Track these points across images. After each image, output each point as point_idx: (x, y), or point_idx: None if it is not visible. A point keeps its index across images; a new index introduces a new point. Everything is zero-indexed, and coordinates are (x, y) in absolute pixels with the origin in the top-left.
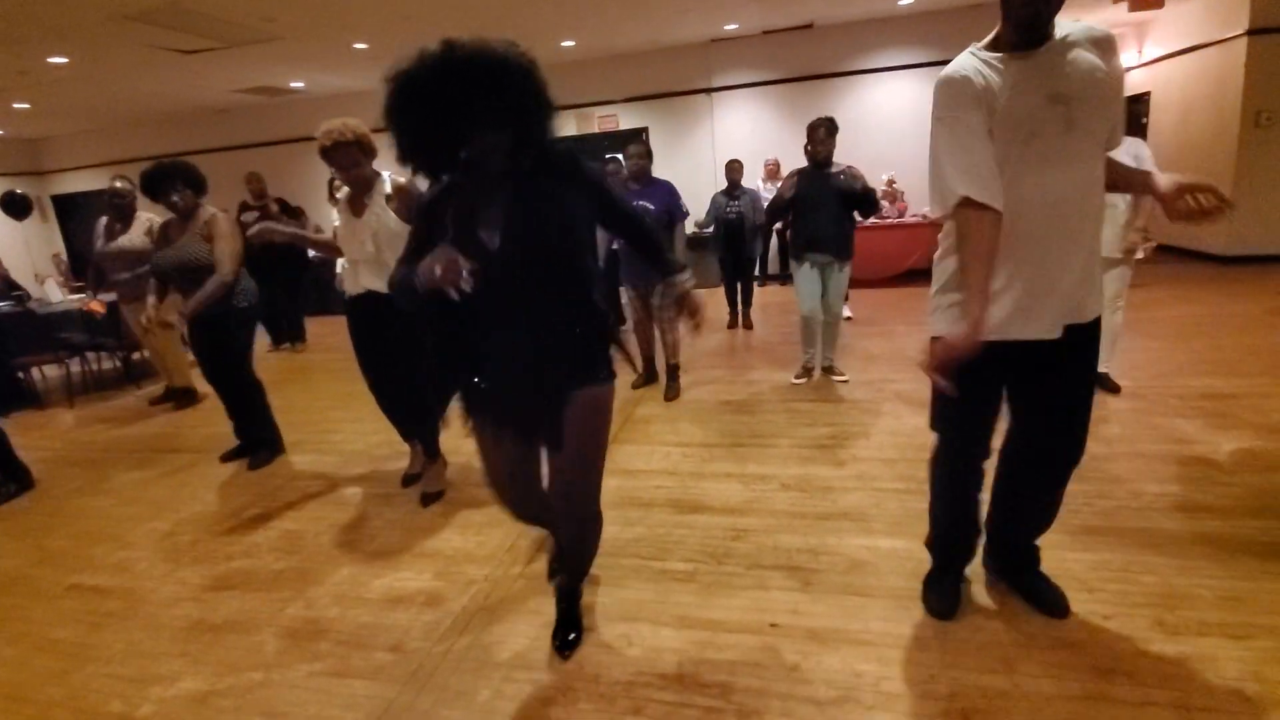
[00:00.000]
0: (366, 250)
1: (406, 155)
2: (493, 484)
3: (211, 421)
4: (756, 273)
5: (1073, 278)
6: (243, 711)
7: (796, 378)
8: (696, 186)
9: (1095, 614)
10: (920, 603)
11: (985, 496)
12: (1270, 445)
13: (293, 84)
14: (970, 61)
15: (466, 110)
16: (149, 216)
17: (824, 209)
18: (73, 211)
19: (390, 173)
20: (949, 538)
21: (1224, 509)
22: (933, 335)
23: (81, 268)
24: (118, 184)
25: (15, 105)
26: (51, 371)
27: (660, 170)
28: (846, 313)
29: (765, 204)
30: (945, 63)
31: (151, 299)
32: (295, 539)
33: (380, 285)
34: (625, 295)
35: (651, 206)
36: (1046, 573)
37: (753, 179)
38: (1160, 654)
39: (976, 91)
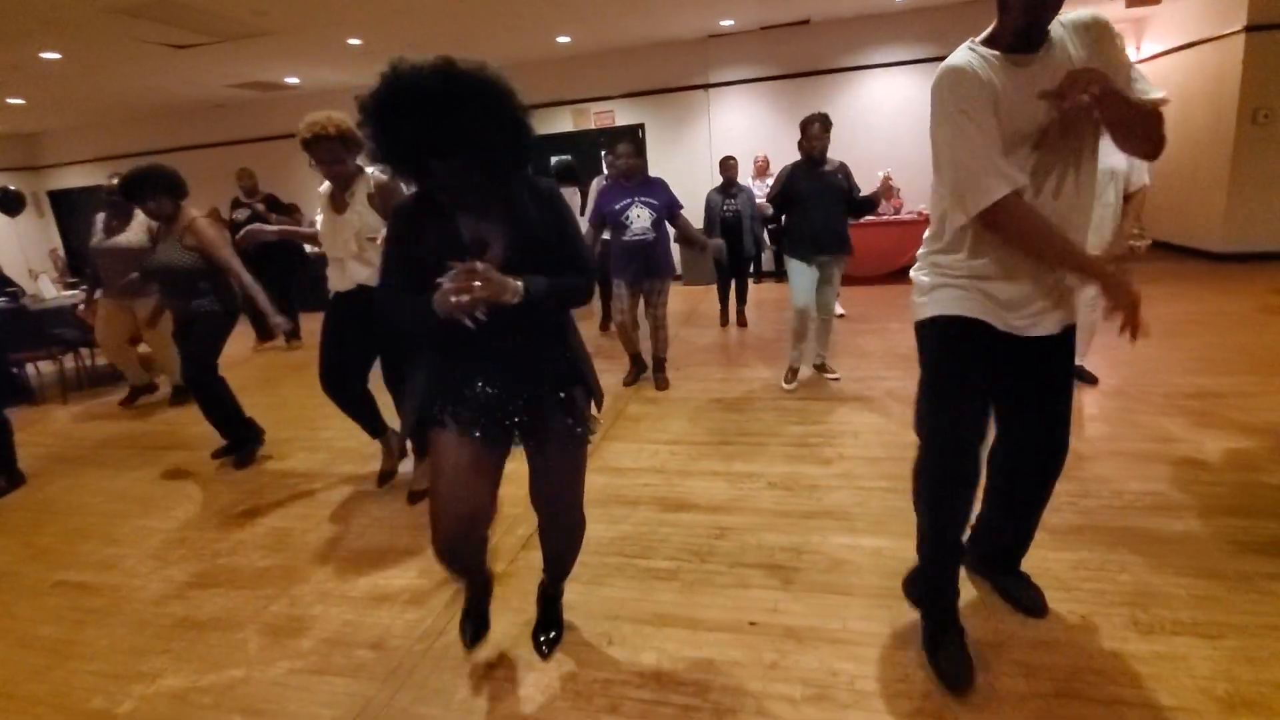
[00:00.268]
0: (350, 248)
1: (378, 159)
2: (438, 489)
3: (203, 419)
4: (752, 270)
5: (1073, 278)
6: (222, 708)
7: (786, 382)
8: (693, 182)
9: (1072, 613)
10: (902, 601)
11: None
12: (1253, 444)
13: (288, 79)
14: (971, 57)
15: (426, 133)
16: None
17: (821, 206)
18: (70, 207)
19: (374, 169)
20: (937, 575)
21: (1203, 508)
22: (921, 320)
23: (79, 264)
24: (114, 181)
25: (9, 100)
26: (46, 368)
27: (657, 166)
28: (839, 310)
29: (758, 201)
30: (942, 58)
31: (143, 306)
32: (282, 536)
33: (366, 280)
34: (615, 288)
35: (654, 201)
36: (1026, 571)
37: (743, 176)
38: (1133, 653)
39: (986, 86)
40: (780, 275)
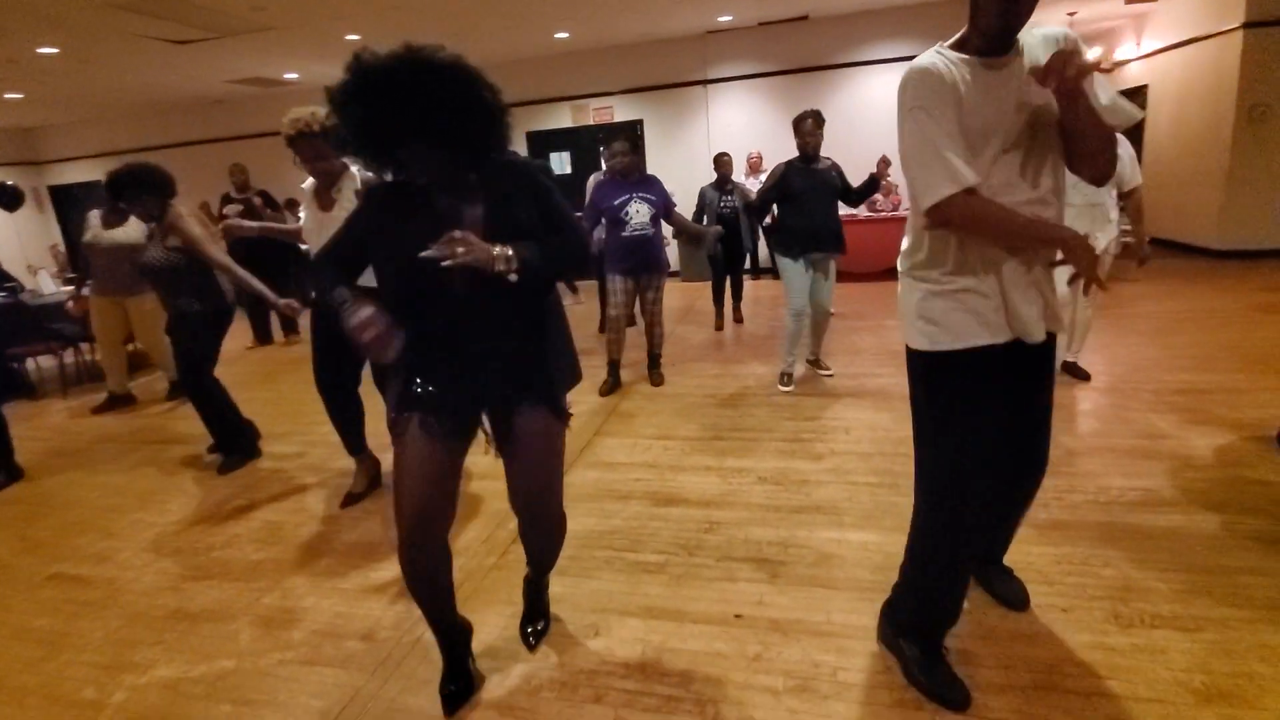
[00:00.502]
0: None
1: (349, 150)
2: (399, 486)
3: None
4: (748, 266)
5: (1049, 282)
6: (212, 698)
7: (782, 385)
8: (692, 178)
9: (1054, 606)
10: (886, 593)
11: None
12: (1240, 440)
13: (286, 75)
14: (937, 59)
15: (392, 120)
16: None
17: (816, 203)
18: (71, 202)
19: (360, 167)
20: (948, 614)
21: (1188, 503)
22: (915, 350)
23: (79, 260)
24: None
25: (7, 95)
26: (46, 363)
27: (656, 161)
28: (831, 308)
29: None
30: None
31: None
32: (275, 530)
33: (361, 279)
34: (610, 283)
35: (653, 198)
36: (1009, 565)
37: (737, 173)
38: (1113, 646)
39: (950, 87)
40: (770, 272)
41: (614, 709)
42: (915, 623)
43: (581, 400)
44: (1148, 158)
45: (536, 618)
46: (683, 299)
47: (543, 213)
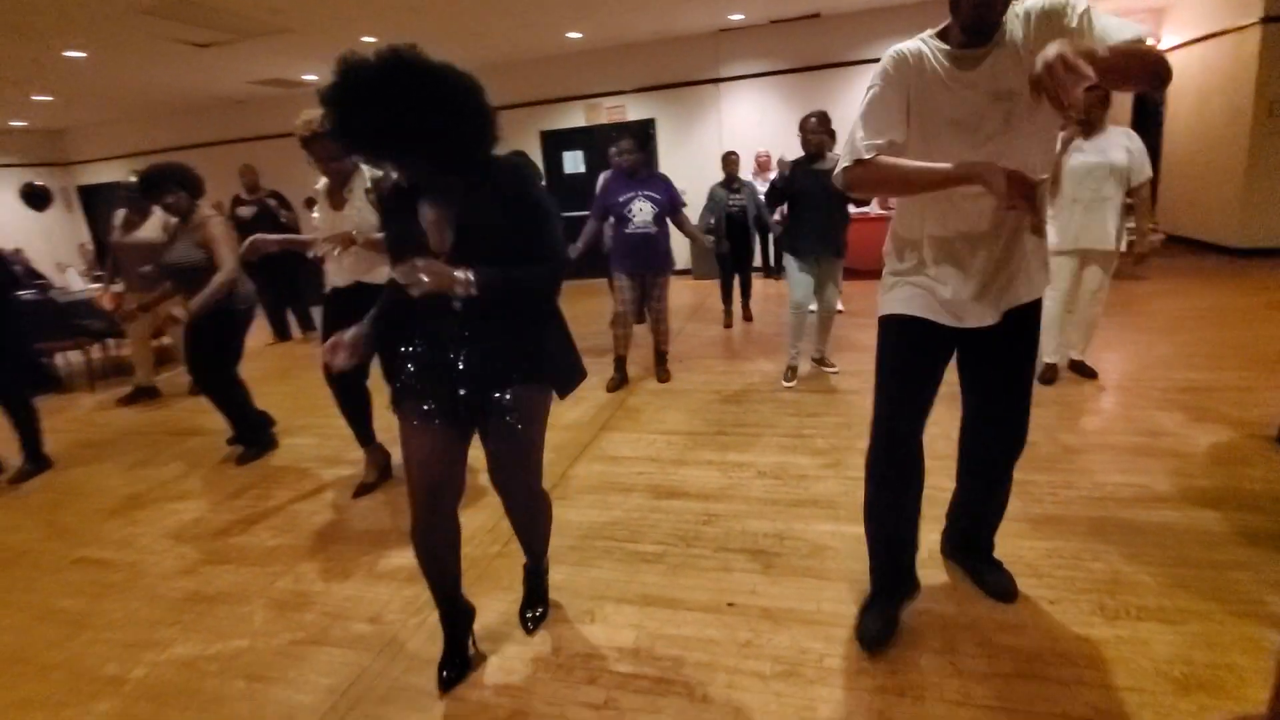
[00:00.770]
0: None
1: (339, 147)
2: (407, 471)
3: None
4: (759, 264)
5: (1012, 267)
6: (227, 675)
7: (786, 380)
8: (703, 177)
9: (1041, 598)
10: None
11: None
12: (1242, 438)
13: (305, 76)
14: (917, 47)
15: (367, 124)
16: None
17: (817, 204)
18: (98, 202)
19: (369, 167)
20: (886, 570)
21: (1184, 500)
22: (883, 314)
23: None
24: (131, 178)
25: (36, 98)
26: (74, 357)
27: (667, 159)
28: (839, 305)
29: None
30: None
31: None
32: (291, 517)
33: (367, 277)
34: (616, 280)
35: (658, 196)
36: (1000, 558)
37: (745, 173)
38: (1097, 637)
39: (913, 73)
40: (773, 271)
41: (606, 690)
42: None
43: (589, 396)
44: (1166, 153)
45: (535, 604)
46: (693, 296)
47: (520, 225)
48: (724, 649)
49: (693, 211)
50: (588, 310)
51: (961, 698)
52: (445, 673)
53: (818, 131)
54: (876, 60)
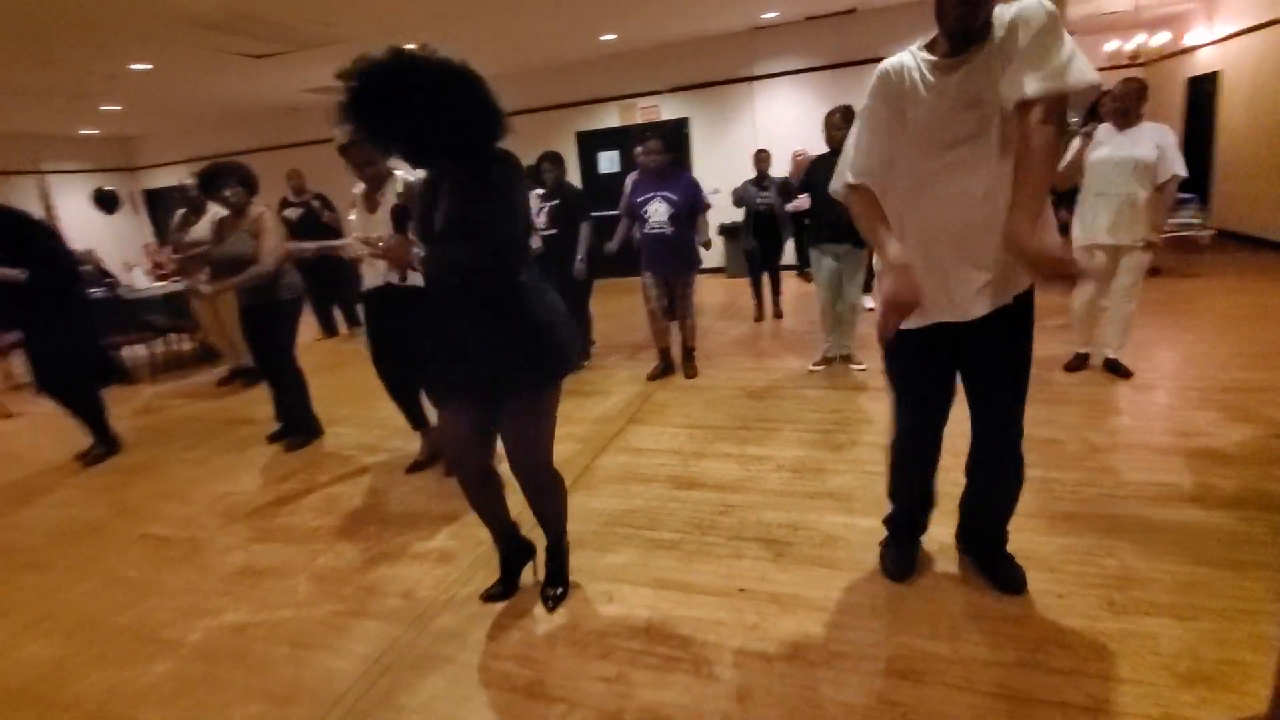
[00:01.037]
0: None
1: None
2: (445, 445)
3: (271, 399)
4: (794, 263)
5: (992, 267)
6: (272, 641)
7: (814, 365)
8: (737, 175)
9: (1049, 592)
10: (880, 573)
11: (950, 479)
12: (1277, 438)
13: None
14: (905, 60)
15: (363, 119)
16: (218, 210)
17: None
18: (162, 205)
19: (402, 171)
20: (902, 515)
21: (1208, 499)
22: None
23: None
24: (186, 180)
25: (106, 107)
26: (140, 351)
27: (702, 159)
28: (869, 303)
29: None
30: None
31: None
32: (333, 500)
33: (396, 278)
34: (643, 279)
35: (675, 197)
36: (1011, 552)
37: (782, 169)
38: (1103, 630)
39: (894, 89)
40: (804, 269)
41: (618, 665)
42: (888, 517)
43: (617, 390)
44: (1220, 147)
45: (556, 584)
46: (725, 294)
47: (481, 211)
48: (732, 631)
49: (727, 211)
50: (624, 306)
51: (963, 683)
52: (494, 589)
53: (840, 127)
54: None
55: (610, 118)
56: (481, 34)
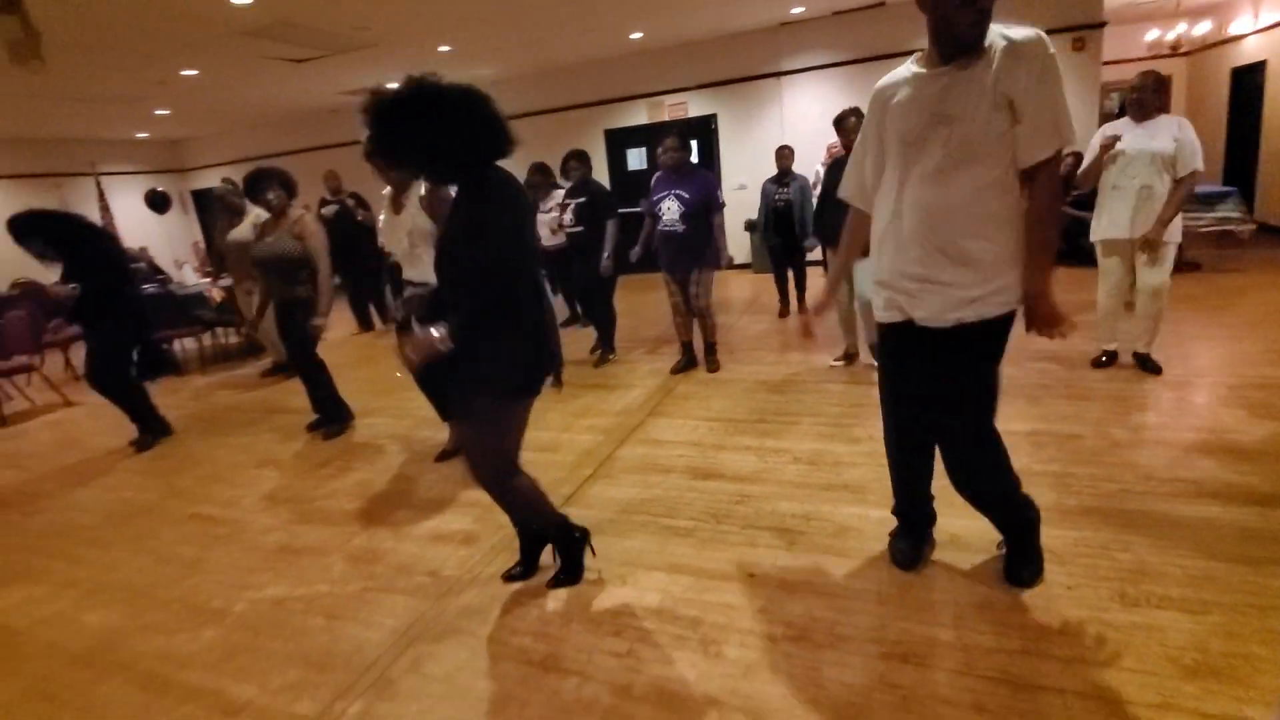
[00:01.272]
0: (404, 245)
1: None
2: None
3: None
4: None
5: (960, 278)
6: (309, 613)
7: (835, 360)
8: (765, 171)
9: (1058, 583)
10: (889, 562)
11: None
12: None
13: (389, 85)
14: (896, 74)
15: (377, 145)
16: (259, 212)
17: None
18: (208, 205)
19: None
20: (899, 502)
21: (1229, 495)
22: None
23: (218, 256)
24: (220, 185)
25: (157, 112)
26: (189, 344)
27: (729, 156)
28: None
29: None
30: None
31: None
32: (366, 486)
33: (418, 276)
34: (664, 277)
35: (687, 195)
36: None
37: (809, 165)
38: (1111, 621)
39: (880, 105)
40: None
41: (630, 642)
42: (896, 507)
43: (639, 383)
44: (1267, 139)
45: (563, 569)
46: (751, 290)
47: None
48: (741, 613)
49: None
50: (648, 301)
51: (964, 667)
52: (511, 572)
53: (857, 130)
54: None
55: (638, 115)
56: (510, 36)
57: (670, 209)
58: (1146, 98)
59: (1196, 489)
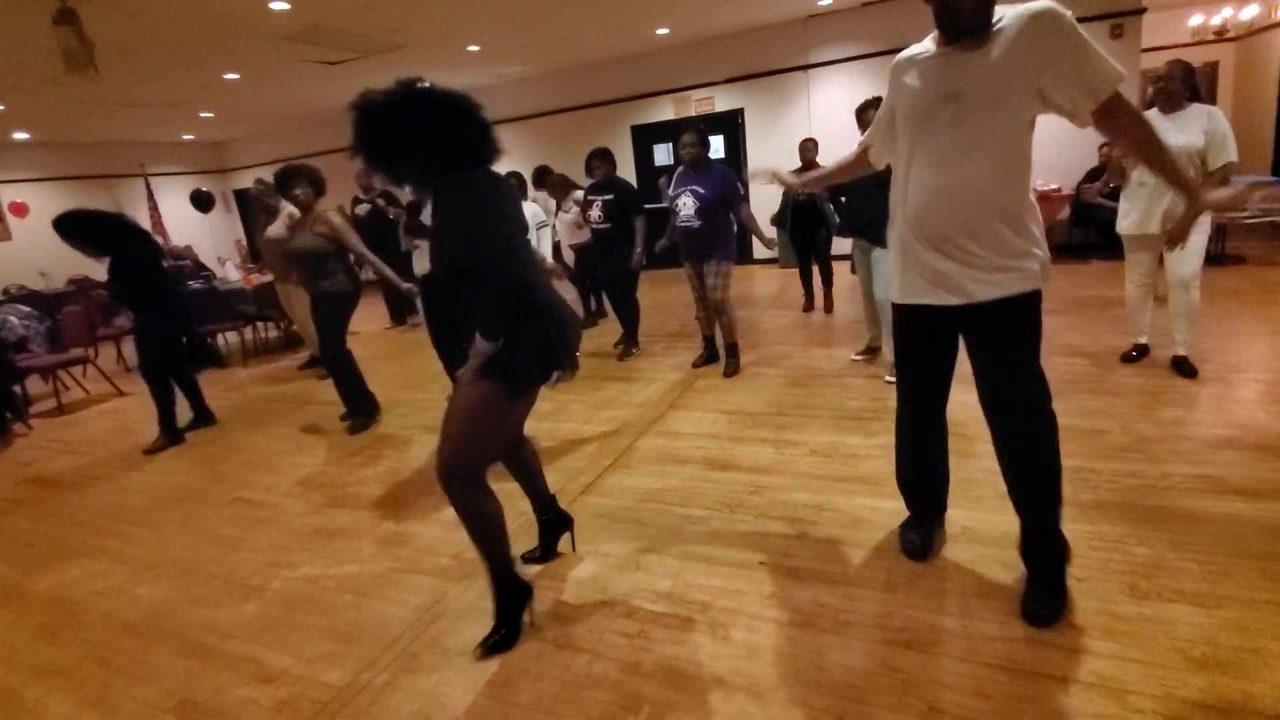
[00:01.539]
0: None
1: None
2: None
3: None
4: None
5: (975, 260)
6: (340, 590)
7: (857, 354)
8: (792, 164)
9: (1069, 575)
10: (899, 552)
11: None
12: None
13: (420, 85)
14: (911, 52)
15: (363, 146)
16: (291, 210)
17: (859, 191)
18: (249, 203)
19: None
20: (905, 486)
21: (1255, 492)
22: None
23: (256, 252)
24: (254, 185)
25: (202, 115)
26: (231, 338)
27: (757, 150)
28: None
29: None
30: None
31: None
32: (395, 473)
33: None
34: (686, 272)
35: (703, 190)
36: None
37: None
38: (1119, 614)
39: (894, 78)
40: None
41: (640, 624)
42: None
43: (664, 376)
44: None
45: (498, 626)
46: (778, 284)
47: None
48: (749, 599)
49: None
50: (672, 296)
51: (966, 654)
52: (530, 554)
53: None
54: None
55: (665, 111)
56: (537, 34)
57: (686, 204)
58: (1174, 88)
59: (1222, 485)
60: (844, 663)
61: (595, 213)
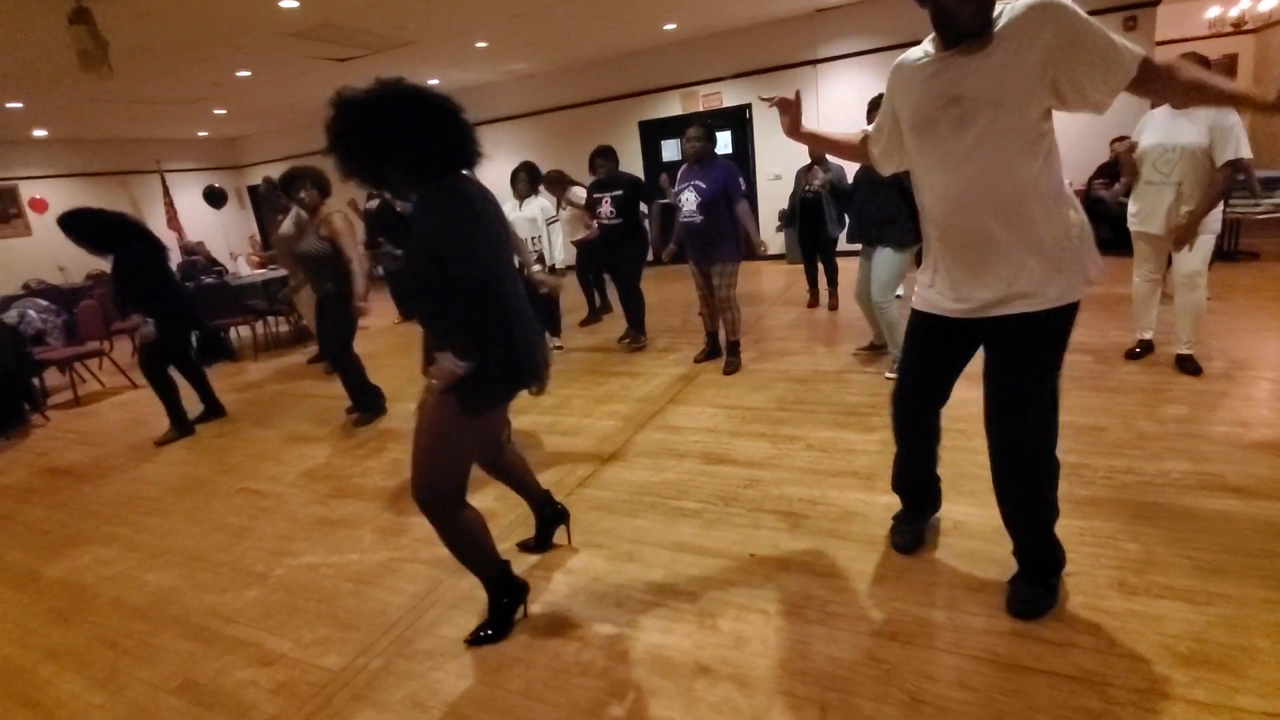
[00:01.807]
0: None
1: None
2: None
3: None
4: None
5: (991, 270)
6: (340, 578)
7: (859, 349)
8: (799, 161)
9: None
10: (890, 545)
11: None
12: None
13: (430, 81)
14: (913, 53)
15: (337, 146)
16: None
17: (865, 192)
18: (259, 200)
19: None
20: (899, 478)
21: (1252, 490)
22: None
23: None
24: (261, 183)
25: (215, 111)
26: (243, 332)
27: (764, 146)
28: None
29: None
30: None
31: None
32: (398, 465)
33: None
34: (690, 268)
35: (704, 185)
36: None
37: None
38: (1108, 609)
39: (893, 84)
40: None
41: (630, 613)
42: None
43: (665, 371)
44: None
45: (489, 622)
46: (784, 280)
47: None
48: (738, 589)
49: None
50: (677, 291)
51: (951, 647)
52: (526, 543)
53: None
54: None
55: (672, 106)
56: (544, 30)
57: (689, 199)
58: None
59: (1219, 483)
60: (829, 653)
61: (607, 209)
